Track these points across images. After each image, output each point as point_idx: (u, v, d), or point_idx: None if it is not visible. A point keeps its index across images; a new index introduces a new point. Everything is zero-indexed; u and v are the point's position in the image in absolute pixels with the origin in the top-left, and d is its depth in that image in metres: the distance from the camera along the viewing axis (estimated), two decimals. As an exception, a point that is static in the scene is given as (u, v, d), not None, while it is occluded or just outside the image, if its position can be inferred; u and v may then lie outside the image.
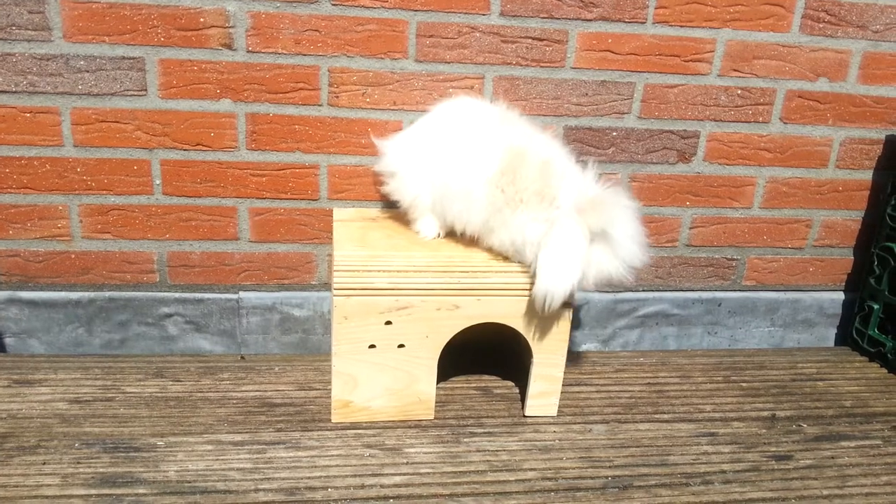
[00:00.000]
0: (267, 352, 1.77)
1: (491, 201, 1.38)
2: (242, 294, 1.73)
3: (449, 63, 1.62)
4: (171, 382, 1.58)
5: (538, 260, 1.33)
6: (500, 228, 1.39)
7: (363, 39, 1.58)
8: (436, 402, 1.50)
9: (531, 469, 1.36)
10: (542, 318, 1.43)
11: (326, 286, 1.76)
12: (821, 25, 1.71)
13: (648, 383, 1.71)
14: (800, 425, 1.57)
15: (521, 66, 1.64)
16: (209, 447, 1.36)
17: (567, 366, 1.51)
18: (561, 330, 1.45)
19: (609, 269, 1.34)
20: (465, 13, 1.58)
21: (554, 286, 1.32)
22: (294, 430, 1.43)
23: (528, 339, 1.45)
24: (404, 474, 1.32)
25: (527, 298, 1.41)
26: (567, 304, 1.41)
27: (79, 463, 1.30)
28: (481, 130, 1.44)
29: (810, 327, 1.99)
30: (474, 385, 1.64)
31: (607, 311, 1.87)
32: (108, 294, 1.69)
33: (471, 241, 1.47)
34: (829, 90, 1.77)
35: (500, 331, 1.44)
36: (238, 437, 1.40)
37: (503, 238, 1.39)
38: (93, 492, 1.23)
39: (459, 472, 1.34)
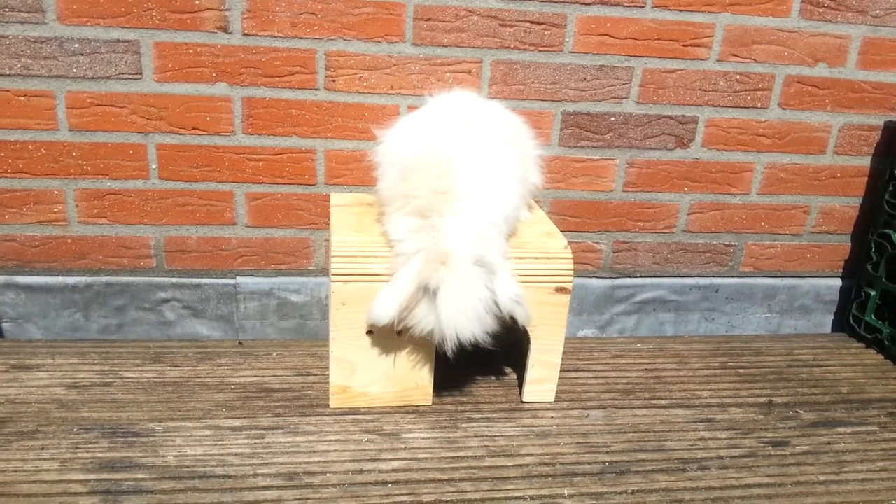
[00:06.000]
0: (265, 337, 1.77)
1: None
2: (240, 279, 1.72)
3: (446, 47, 1.61)
4: (168, 368, 1.58)
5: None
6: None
7: (360, 23, 1.57)
8: (433, 388, 1.50)
9: (529, 454, 1.37)
10: (540, 304, 1.43)
11: (324, 272, 1.75)
12: (820, 10, 1.70)
13: (646, 369, 1.71)
14: (796, 411, 1.57)
15: (520, 50, 1.63)
16: (207, 432, 1.37)
17: (564, 352, 1.51)
18: (558, 316, 1.45)
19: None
20: (464, -3, 1.57)
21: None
22: (292, 416, 1.43)
23: (525, 326, 1.45)
24: (402, 459, 1.33)
25: (524, 285, 1.41)
26: (564, 290, 1.41)
27: (77, 448, 1.30)
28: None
29: (807, 314, 1.99)
30: (472, 371, 1.64)
31: (605, 297, 1.87)
32: (104, 279, 1.68)
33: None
34: (829, 76, 1.77)
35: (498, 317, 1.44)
36: (236, 423, 1.40)
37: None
38: (91, 476, 1.23)
39: (457, 457, 1.35)
